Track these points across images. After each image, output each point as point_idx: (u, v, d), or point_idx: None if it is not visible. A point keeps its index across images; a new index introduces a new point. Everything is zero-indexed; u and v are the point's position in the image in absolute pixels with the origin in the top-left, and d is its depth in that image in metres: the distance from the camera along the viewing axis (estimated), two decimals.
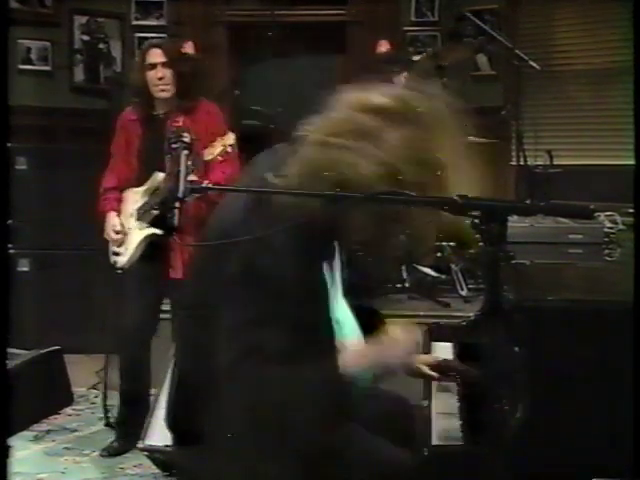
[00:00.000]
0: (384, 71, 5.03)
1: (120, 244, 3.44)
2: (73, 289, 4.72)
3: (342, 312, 1.85)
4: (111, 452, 3.45)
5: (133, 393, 3.46)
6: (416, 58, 5.27)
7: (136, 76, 3.48)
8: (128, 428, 3.46)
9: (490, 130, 5.04)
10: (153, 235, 3.32)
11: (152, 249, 3.37)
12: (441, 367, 2.07)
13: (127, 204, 3.47)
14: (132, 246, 3.39)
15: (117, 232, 3.43)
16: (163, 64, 3.39)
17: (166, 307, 3.59)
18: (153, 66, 3.40)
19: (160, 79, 3.39)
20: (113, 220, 3.45)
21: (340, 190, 1.58)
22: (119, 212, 3.48)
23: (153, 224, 3.33)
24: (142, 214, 3.38)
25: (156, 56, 3.41)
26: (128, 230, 3.43)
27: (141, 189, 3.41)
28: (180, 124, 3.32)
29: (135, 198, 3.44)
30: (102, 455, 3.44)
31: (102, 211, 3.50)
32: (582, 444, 1.72)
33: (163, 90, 3.40)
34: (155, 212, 3.29)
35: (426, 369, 2.05)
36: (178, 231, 2.96)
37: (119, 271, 3.44)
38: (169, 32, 6.10)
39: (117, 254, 3.45)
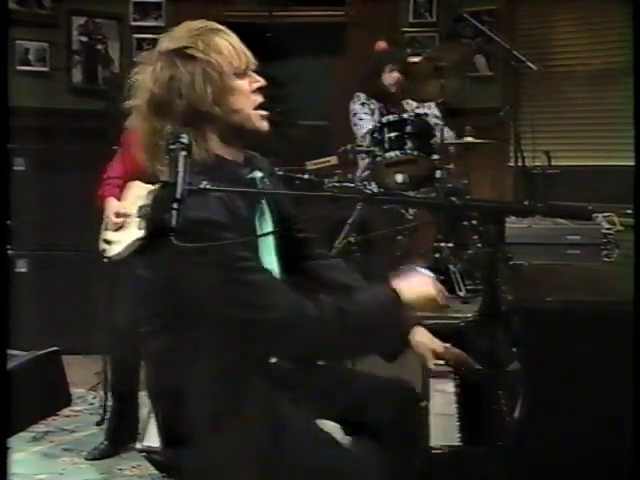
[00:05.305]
0: (379, 67, 5.05)
1: (117, 229, 3.40)
2: (71, 290, 4.72)
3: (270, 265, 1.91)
4: (97, 455, 3.43)
5: (123, 393, 3.46)
6: (414, 59, 5.27)
7: None
8: (117, 429, 3.47)
9: (488, 131, 5.05)
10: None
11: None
12: (443, 355, 2.06)
13: (130, 195, 3.43)
14: (126, 240, 3.35)
15: (118, 215, 3.39)
16: None
17: None
18: None
19: None
20: (114, 203, 3.42)
21: None
22: (119, 200, 3.45)
23: None
24: (144, 213, 3.36)
25: None
26: (127, 221, 3.40)
27: (148, 186, 3.38)
28: None
29: (140, 193, 3.38)
30: (87, 458, 3.43)
31: (102, 196, 3.47)
32: (581, 445, 1.72)
33: None
34: None
35: (426, 351, 2.04)
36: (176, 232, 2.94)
37: (105, 260, 3.41)
38: None
39: (108, 242, 3.41)
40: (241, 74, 1.85)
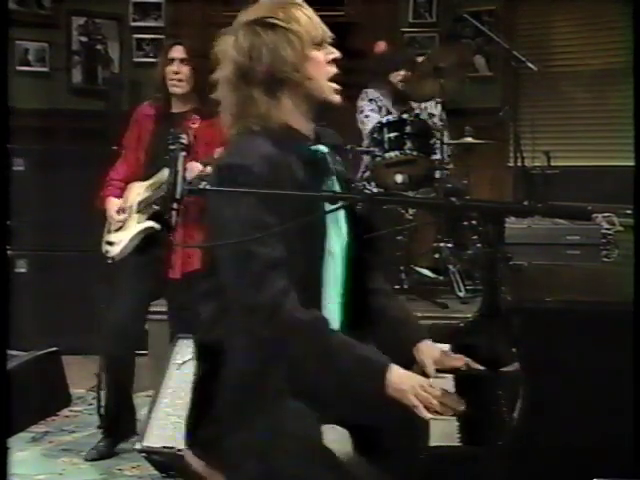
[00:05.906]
0: (382, 69, 5.04)
1: (118, 229, 3.41)
2: (71, 290, 4.72)
3: (337, 245, 1.95)
4: (96, 456, 3.43)
5: (118, 393, 3.45)
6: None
7: (157, 71, 3.52)
8: (113, 430, 3.47)
9: (488, 131, 5.05)
10: (150, 228, 3.31)
11: (149, 248, 3.36)
12: (444, 366, 2.05)
13: (130, 195, 3.46)
14: (127, 237, 3.37)
15: (119, 212, 3.41)
16: (182, 60, 3.43)
17: (163, 308, 3.60)
18: (172, 61, 3.44)
19: (175, 74, 3.42)
20: (115, 202, 3.44)
21: None
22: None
23: (152, 218, 3.33)
24: (143, 208, 3.37)
25: (177, 52, 3.45)
26: (127, 219, 3.41)
27: (146, 183, 3.40)
28: (196, 126, 3.33)
29: (138, 191, 3.42)
30: (87, 459, 3.42)
31: (104, 196, 3.49)
32: (581, 445, 1.72)
33: (177, 85, 3.43)
34: (156, 207, 3.29)
35: (428, 359, 2.02)
36: (175, 232, 2.95)
37: (110, 261, 3.42)
38: (167, 33, 6.10)
39: (110, 243, 3.42)
40: (318, 44, 1.92)
